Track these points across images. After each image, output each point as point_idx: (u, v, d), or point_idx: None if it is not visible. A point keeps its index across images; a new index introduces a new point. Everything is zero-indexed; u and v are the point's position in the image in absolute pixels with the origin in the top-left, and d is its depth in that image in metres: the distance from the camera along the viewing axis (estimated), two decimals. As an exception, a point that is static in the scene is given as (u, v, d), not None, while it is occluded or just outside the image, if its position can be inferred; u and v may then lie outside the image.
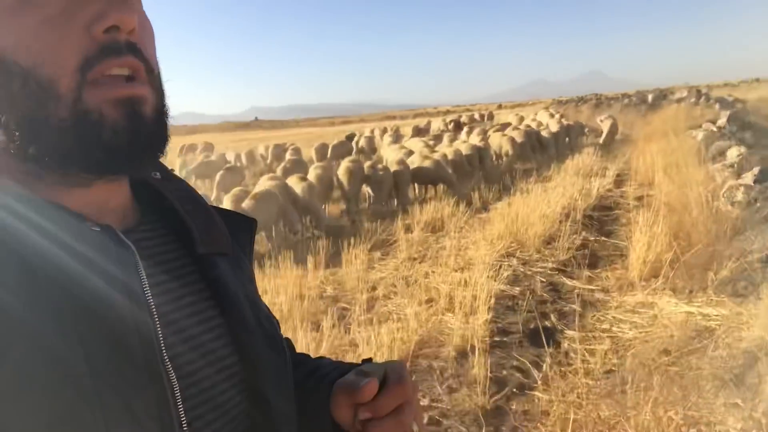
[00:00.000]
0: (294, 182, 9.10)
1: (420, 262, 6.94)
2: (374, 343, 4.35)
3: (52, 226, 0.53)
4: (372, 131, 28.74)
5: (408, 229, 7.98)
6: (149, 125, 0.60)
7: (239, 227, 0.82)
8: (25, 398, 0.47)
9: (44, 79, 0.54)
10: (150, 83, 0.61)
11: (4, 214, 0.52)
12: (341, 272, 6.56)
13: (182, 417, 0.57)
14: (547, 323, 4.75)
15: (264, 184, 9.09)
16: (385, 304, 5.65)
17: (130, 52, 0.58)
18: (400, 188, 10.13)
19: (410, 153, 13.02)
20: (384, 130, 27.13)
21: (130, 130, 0.58)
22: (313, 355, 0.96)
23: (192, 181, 15.45)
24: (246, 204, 7.80)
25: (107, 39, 0.56)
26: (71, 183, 0.59)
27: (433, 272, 6.37)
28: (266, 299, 5.19)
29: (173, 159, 23.19)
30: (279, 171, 11.95)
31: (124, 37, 0.57)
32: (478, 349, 4.09)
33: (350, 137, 24.72)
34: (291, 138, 37.49)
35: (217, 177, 10.70)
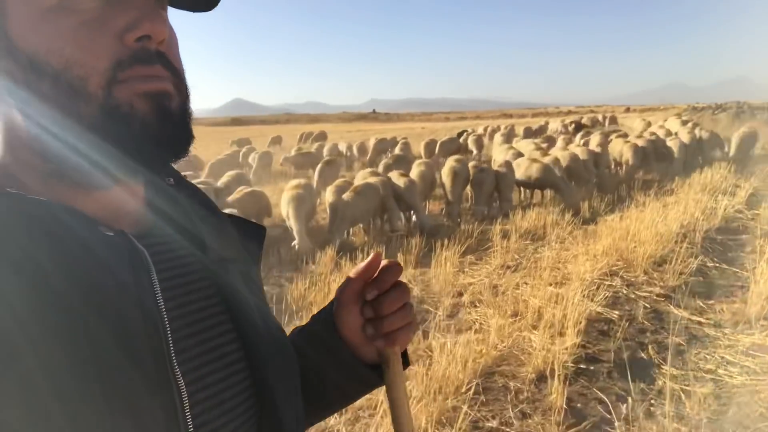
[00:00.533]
0: (396, 178, 9.05)
1: (513, 272, 6.63)
2: (449, 351, 4.19)
3: (66, 231, 0.55)
4: (486, 129, 28.15)
5: (506, 234, 7.65)
6: (177, 121, 0.61)
7: (249, 235, 0.84)
8: (35, 402, 0.48)
9: (75, 79, 0.55)
10: (177, 88, 0.62)
11: (20, 218, 0.54)
12: (430, 273, 6.42)
13: (189, 424, 0.58)
14: (644, 355, 4.31)
15: (364, 178, 9.14)
16: (469, 312, 5.44)
17: (160, 61, 0.60)
18: (502, 191, 9.75)
19: (520, 154, 12.55)
20: (496, 129, 26.42)
21: (159, 123, 0.59)
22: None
23: (291, 171, 16.00)
24: (346, 196, 7.89)
25: (138, 47, 0.58)
26: (92, 184, 0.60)
27: (526, 284, 6.05)
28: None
29: (292, 144, 24.23)
30: (381, 166, 11.99)
31: (154, 47, 0.59)
32: (560, 374, 3.80)
33: (460, 134, 24.39)
34: (405, 131, 37.84)
35: (317, 169, 10.92)
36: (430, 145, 17.73)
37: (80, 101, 0.56)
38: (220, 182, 9.63)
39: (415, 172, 9.92)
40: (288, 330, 0.83)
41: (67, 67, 0.55)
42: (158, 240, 0.66)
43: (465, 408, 3.64)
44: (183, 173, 0.81)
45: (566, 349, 4.35)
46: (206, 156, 19.29)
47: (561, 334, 4.61)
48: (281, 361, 0.73)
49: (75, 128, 0.57)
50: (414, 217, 8.95)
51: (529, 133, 22.57)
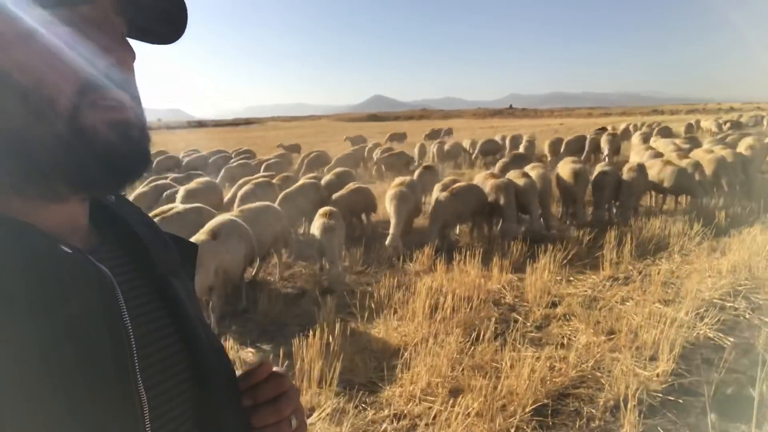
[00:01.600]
0: (515, 178, 8.62)
1: (623, 284, 6.09)
2: (522, 365, 3.95)
3: (30, 250, 0.57)
4: (629, 126, 26.12)
5: (620, 242, 7.03)
6: (136, 147, 0.65)
7: (184, 251, 0.87)
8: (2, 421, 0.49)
9: (45, 99, 0.58)
10: (137, 116, 0.66)
11: None
12: (526, 280, 6.11)
13: None
14: (753, 392, 3.72)
15: (481, 178, 8.83)
16: (560, 325, 5.09)
17: (123, 87, 0.64)
18: (623, 196, 8.97)
19: (658, 155, 11.47)
20: (636, 127, 24.40)
21: (120, 148, 0.62)
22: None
23: (381, 171, 15.89)
24: (441, 196, 7.76)
25: (106, 73, 0.62)
26: (50, 198, 0.63)
27: (631, 299, 5.53)
28: (437, 296, 5.09)
29: (418, 141, 24.40)
30: (498, 166, 11.61)
31: (119, 73, 0.63)
32: (635, 404, 3.42)
33: (599, 132, 22.87)
34: (541, 128, 36.42)
35: (416, 173, 10.72)
36: (555, 144, 16.85)
37: (48, 119, 0.59)
38: (324, 179, 9.91)
39: (534, 174, 9.34)
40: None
41: (37, 86, 0.58)
42: (109, 255, 0.69)
43: (527, 430, 3.43)
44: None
45: (657, 375, 3.91)
46: (338, 150, 20.14)
47: (654, 359, 4.15)
48: (222, 368, 0.77)
49: (42, 143, 0.59)
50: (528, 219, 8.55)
51: (667, 133, 20.48)
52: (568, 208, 9.39)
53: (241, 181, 10.06)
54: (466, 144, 19.87)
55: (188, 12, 0.73)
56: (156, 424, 0.63)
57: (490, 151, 18.68)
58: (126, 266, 0.71)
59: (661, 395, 3.71)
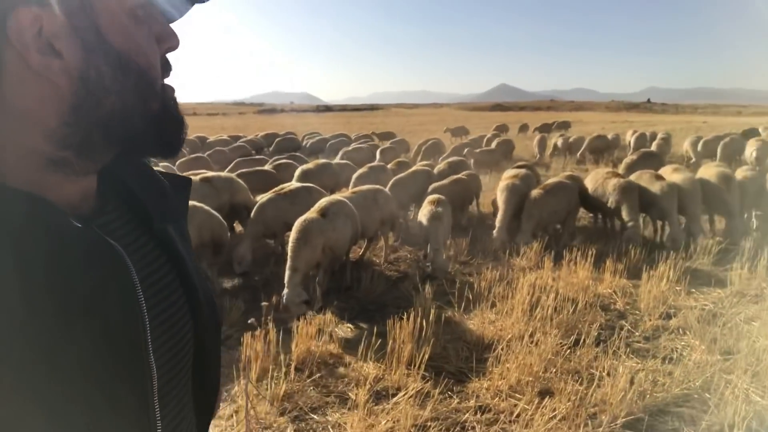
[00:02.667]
0: (647, 180, 7.75)
1: (751, 302, 5.52)
2: (618, 375, 3.75)
3: (41, 225, 0.58)
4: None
5: (755, 254, 6.35)
6: (183, 119, 0.74)
7: (177, 187, 0.89)
8: (18, 396, 0.52)
9: (152, 79, 0.67)
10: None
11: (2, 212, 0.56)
12: (641, 287, 5.73)
13: (156, 408, 0.67)
14: None
15: (600, 176, 8.23)
16: (672, 338, 4.75)
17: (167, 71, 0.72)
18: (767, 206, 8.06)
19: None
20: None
21: (180, 120, 0.73)
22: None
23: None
24: (534, 193, 7.45)
25: (164, 55, 0.71)
26: (80, 173, 0.66)
27: (759, 318, 5.00)
28: (539, 294, 4.94)
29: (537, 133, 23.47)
30: (623, 165, 10.89)
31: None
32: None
33: (748, 133, 20.59)
34: (681, 125, 33.53)
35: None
36: (695, 143, 15.45)
37: (152, 97, 0.67)
38: (437, 168, 9.90)
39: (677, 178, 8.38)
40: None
41: (148, 68, 0.65)
42: (117, 226, 0.72)
43: (616, 442, 3.27)
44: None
45: (774, 405, 3.54)
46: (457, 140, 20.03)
47: (776, 386, 3.75)
48: (212, 315, 0.83)
49: (143, 118, 0.66)
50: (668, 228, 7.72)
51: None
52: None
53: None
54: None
55: None
56: (162, 393, 0.68)
57: (598, 148, 17.53)
58: (131, 228, 0.73)
59: (778, 427, 3.36)
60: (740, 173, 8.41)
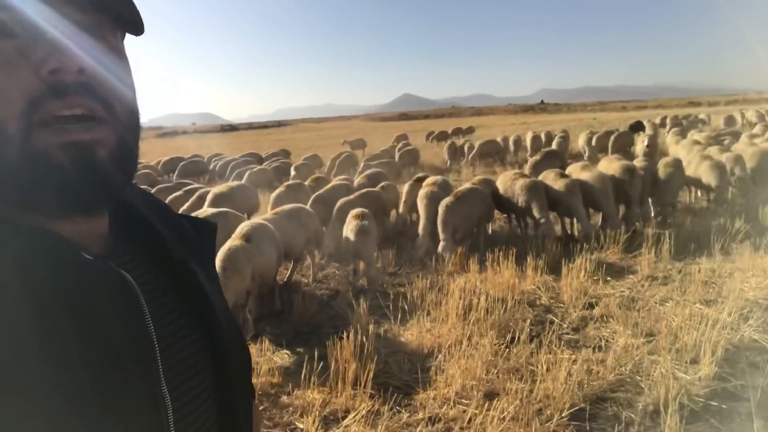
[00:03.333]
0: (552, 179, 8.15)
1: (662, 284, 5.94)
2: (558, 369, 3.90)
3: (56, 257, 0.57)
4: (663, 119, 25.45)
5: (659, 241, 6.86)
6: (101, 167, 0.60)
7: (202, 231, 0.87)
8: (31, 423, 0.51)
9: None
10: (110, 121, 0.62)
11: (13, 244, 0.55)
12: (562, 281, 6.01)
13: None
14: (802, 397, 3.60)
15: (509, 179, 8.57)
16: (597, 327, 5.00)
17: (79, 92, 0.58)
18: (660, 192, 8.72)
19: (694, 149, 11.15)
20: (675, 120, 23.74)
21: (78, 174, 0.58)
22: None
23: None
24: (447, 200, 7.47)
25: (54, 80, 0.57)
26: (50, 215, 0.61)
27: (671, 299, 5.39)
28: (470, 297, 5.05)
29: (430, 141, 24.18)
30: (528, 165, 11.44)
31: (72, 78, 0.58)
32: (676, 409, 3.33)
33: (634, 127, 22.36)
34: (574, 123, 35.75)
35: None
36: (590, 140, 16.54)
37: (1, 143, 0.56)
38: (356, 181, 9.89)
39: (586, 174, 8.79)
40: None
41: None
42: (129, 258, 0.70)
43: (564, 434, 3.38)
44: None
45: (698, 379, 3.81)
46: (369, 150, 20.20)
47: (695, 362, 4.04)
48: (241, 357, 0.80)
49: (2, 170, 0.57)
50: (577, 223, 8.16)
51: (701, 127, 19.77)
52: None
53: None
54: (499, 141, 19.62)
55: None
56: (180, 425, 0.65)
57: (489, 153, 18.13)
58: (146, 265, 0.71)
59: (703, 400, 3.61)
60: (637, 164, 9.04)
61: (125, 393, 0.58)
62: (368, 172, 10.74)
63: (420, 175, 9.69)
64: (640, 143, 12.57)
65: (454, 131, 30.23)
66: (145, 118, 0.71)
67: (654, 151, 12.98)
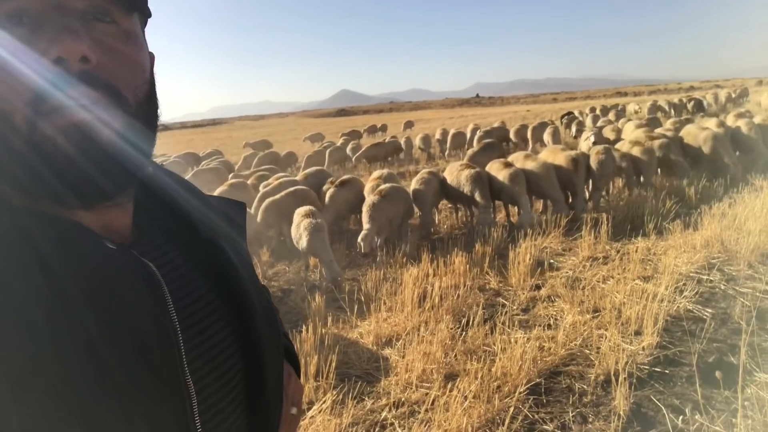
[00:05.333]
0: (497, 169, 8.30)
1: (602, 264, 6.25)
2: (513, 348, 4.05)
3: (79, 247, 0.57)
4: (592, 110, 26.60)
5: (596, 223, 7.21)
6: (108, 148, 0.59)
7: (232, 211, 0.87)
8: (55, 411, 0.51)
9: (2, 114, 0.55)
10: (118, 105, 0.60)
11: (35, 234, 0.55)
12: (509, 265, 6.21)
13: (198, 429, 0.63)
14: (734, 359, 3.89)
15: (456, 170, 8.76)
16: (546, 306, 5.21)
17: (84, 81, 0.57)
18: (595, 179, 9.12)
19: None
20: (605, 109, 24.87)
21: (85, 158, 0.57)
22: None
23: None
24: (372, 198, 7.39)
25: (58, 70, 0.56)
26: (67, 206, 0.60)
27: (612, 277, 5.68)
28: (424, 285, 5.14)
29: (390, 133, 24.41)
30: (466, 156, 11.70)
31: (76, 67, 0.57)
32: (625, 377, 3.54)
33: (565, 116, 23.24)
34: (509, 115, 36.75)
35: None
36: (520, 132, 17.06)
37: (8, 134, 0.56)
38: (299, 178, 9.77)
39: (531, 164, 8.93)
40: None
41: None
42: (153, 246, 0.69)
43: (523, 409, 3.52)
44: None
45: (642, 349, 4.05)
46: (306, 149, 20.04)
47: (639, 333, 4.30)
48: (273, 338, 0.78)
49: (9, 161, 0.57)
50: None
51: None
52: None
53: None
54: (438, 135, 19.95)
55: None
56: (205, 416, 0.65)
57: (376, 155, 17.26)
58: (172, 252, 0.70)
59: (648, 367, 3.85)
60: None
61: (148, 384, 0.58)
62: (309, 170, 10.53)
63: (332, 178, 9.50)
64: (584, 140, 12.88)
65: (369, 129, 30.01)
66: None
67: (602, 142, 13.33)
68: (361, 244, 6.86)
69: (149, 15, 0.70)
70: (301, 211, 6.70)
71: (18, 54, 0.55)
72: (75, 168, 0.58)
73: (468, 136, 17.79)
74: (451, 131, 18.60)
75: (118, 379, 0.55)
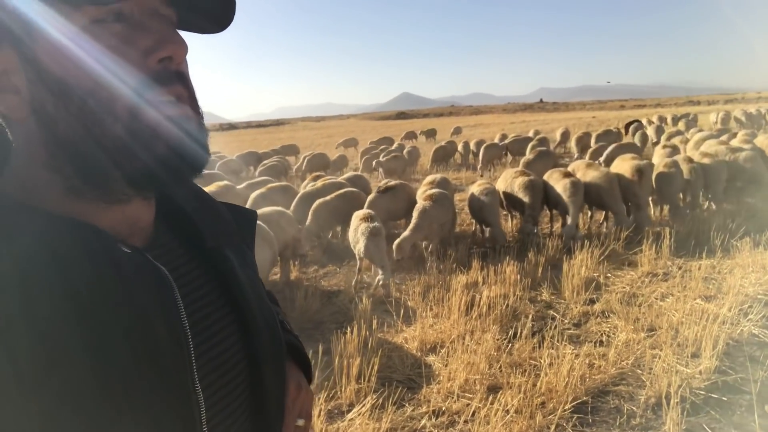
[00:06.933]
0: (557, 178, 8.01)
1: (662, 280, 5.98)
2: (561, 363, 3.93)
3: (91, 249, 0.58)
4: (664, 119, 25.50)
5: (659, 238, 6.90)
6: (196, 141, 0.65)
7: (242, 219, 0.88)
8: (65, 414, 0.52)
9: (102, 101, 0.59)
10: (191, 106, 0.67)
11: (49, 237, 0.56)
12: (562, 277, 6.04)
13: None
14: (801, 390, 3.64)
15: (509, 177, 8.58)
16: (599, 322, 5.04)
17: (179, 80, 0.64)
18: (660, 192, 8.71)
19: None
20: (675, 118, 23.78)
21: (182, 145, 0.63)
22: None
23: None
24: (423, 203, 7.43)
25: (160, 68, 0.62)
26: (110, 200, 0.64)
27: (671, 295, 5.43)
28: (472, 293, 5.08)
29: (444, 137, 24.28)
30: (521, 163, 11.43)
31: (174, 67, 0.64)
32: (678, 401, 3.37)
33: (629, 125, 22.38)
34: (573, 121, 35.80)
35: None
36: (582, 140, 16.51)
37: (107, 122, 0.59)
38: (342, 178, 9.83)
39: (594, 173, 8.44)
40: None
41: (95, 89, 0.58)
42: (165, 250, 0.70)
43: (567, 427, 3.42)
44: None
45: (699, 373, 3.84)
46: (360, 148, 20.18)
47: (696, 356, 4.08)
48: (274, 349, 0.78)
49: (100, 147, 0.60)
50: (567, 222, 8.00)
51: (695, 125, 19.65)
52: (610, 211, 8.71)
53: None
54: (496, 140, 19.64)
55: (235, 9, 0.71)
56: (213, 422, 0.65)
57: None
58: (184, 257, 0.72)
59: (704, 393, 3.65)
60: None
61: (157, 389, 0.58)
62: (350, 174, 10.45)
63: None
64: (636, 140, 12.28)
65: (406, 135, 29.63)
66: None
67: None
68: (394, 249, 6.69)
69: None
70: (359, 214, 6.70)
71: (123, 47, 0.60)
72: (172, 150, 0.62)
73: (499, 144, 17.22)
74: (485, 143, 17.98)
75: (128, 383, 0.55)
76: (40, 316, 0.52)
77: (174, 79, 0.63)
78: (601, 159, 12.04)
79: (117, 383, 0.54)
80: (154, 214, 0.72)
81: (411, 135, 27.10)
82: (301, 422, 0.87)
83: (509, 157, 17.14)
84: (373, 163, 14.75)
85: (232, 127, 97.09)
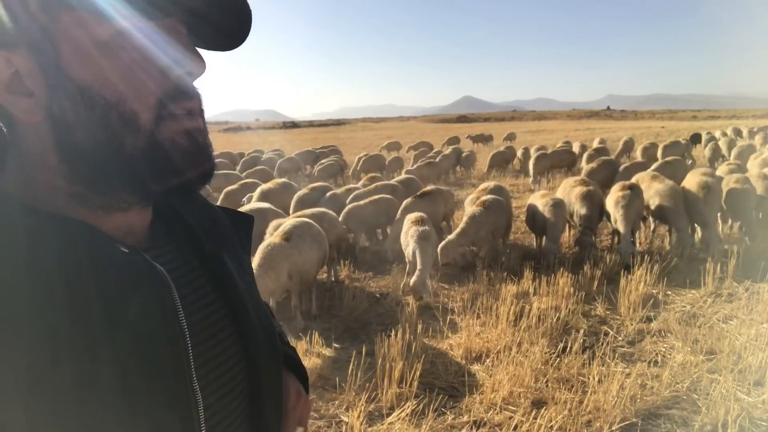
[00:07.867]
0: (617, 189, 7.60)
1: (726, 302, 5.66)
2: (610, 381, 3.79)
3: (92, 249, 0.59)
4: (739, 131, 24.12)
5: (725, 255, 6.54)
6: (207, 152, 0.68)
7: (239, 224, 0.89)
8: (63, 412, 0.53)
9: (127, 112, 0.60)
10: (202, 118, 0.70)
11: (50, 237, 0.57)
12: (619, 292, 5.81)
13: None
14: None
15: (570, 185, 8.33)
16: (654, 341, 4.82)
17: (197, 95, 0.67)
18: (728, 209, 8.23)
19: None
20: (752, 132, 22.47)
21: (197, 156, 0.66)
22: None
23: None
24: (475, 210, 7.12)
25: (182, 82, 0.65)
26: (113, 208, 0.65)
27: (735, 317, 5.13)
28: (522, 303, 4.97)
29: (500, 144, 23.91)
30: (582, 173, 11.05)
31: (194, 79, 0.67)
32: (736, 431, 3.18)
33: (694, 138, 21.34)
34: (641, 130, 34.49)
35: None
36: (648, 150, 15.83)
37: (129, 132, 0.61)
38: (395, 180, 9.87)
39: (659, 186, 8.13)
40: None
41: (120, 100, 0.60)
42: (162, 251, 0.71)
43: (613, 448, 3.29)
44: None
45: (762, 402, 3.61)
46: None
47: (759, 384, 3.84)
48: (270, 354, 0.80)
49: (118, 156, 0.61)
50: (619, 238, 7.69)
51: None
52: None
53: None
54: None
55: (250, 28, 0.72)
56: (210, 423, 0.66)
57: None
58: (182, 258, 0.73)
59: (766, 424, 3.43)
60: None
61: (155, 389, 0.59)
62: (402, 177, 10.46)
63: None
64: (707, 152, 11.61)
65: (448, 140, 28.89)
66: (211, 113, 0.74)
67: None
68: (439, 252, 6.50)
69: None
70: (411, 217, 6.68)
71: (147, 61, 0.62)
72: (189, 160, 0.65)
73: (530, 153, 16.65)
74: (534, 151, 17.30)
75: (126, 382, 0.56)
76: (40, 315, 0.53)
77: (192, 93, 0.65)
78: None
79: (115, 383, 0.55)
80: (150, 219, 0.73)
81: (454, 140, 26.56)
82: (300, 430, 0.88)
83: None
84: (404, 171, 14.40)
85: (294, 125, 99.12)
